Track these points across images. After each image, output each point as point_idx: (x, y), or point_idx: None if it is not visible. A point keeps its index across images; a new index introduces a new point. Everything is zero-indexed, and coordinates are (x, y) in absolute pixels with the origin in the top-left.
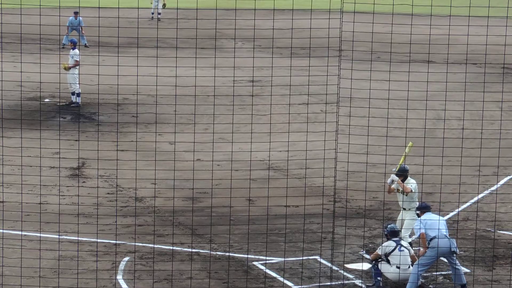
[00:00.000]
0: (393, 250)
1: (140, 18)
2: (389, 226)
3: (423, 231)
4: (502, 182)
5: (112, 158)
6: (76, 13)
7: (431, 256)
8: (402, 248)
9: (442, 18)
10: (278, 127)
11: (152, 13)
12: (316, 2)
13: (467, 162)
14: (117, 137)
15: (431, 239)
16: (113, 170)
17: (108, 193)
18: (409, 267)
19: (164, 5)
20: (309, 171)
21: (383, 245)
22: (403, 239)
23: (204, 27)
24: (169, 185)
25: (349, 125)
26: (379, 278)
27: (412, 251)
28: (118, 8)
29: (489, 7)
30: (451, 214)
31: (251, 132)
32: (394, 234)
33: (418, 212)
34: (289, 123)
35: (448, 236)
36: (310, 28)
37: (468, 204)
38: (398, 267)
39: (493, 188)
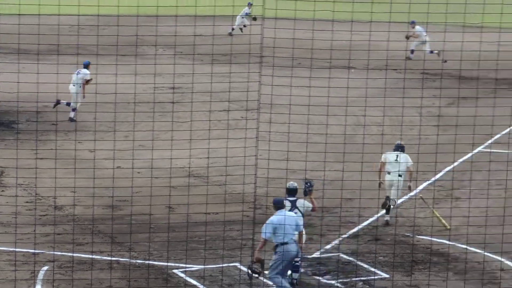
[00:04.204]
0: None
1: (61, 24)
2: (289, 183)
3: (268, 235)
4: (421, 187)
5: (31, 166)
6: None
7: (279, 259)
8: (296, 211)
9: (363, 24)
10: (198, 134)
11: (233, 29)
12: (238, 8)
13: None
14: (36, 145)
15: (279, 244)
16: (32, 179)
17: (27, 202)
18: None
19: (254, 18)
20: (229, 178)
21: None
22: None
23: (125, 33)
24: (89, 193)
25: (270, 132)
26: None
27: (310, 206)
28: (39, 14)
29: (409, 12)
30: (371, 219)
31: (172, 139)
32: (291, 192)
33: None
34: (209, 130)
35: (295, 239)
36: (231, 34)
37: None
38: None
39: (412, 194)
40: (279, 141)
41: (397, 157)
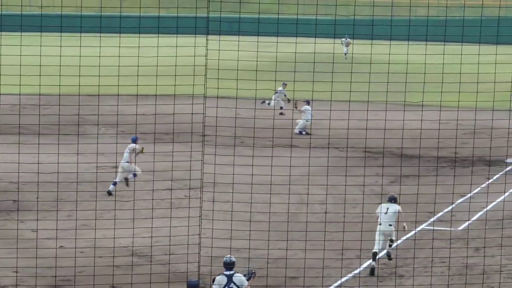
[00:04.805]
0: None
1: (2, 104)
2: (226, 257)
3: None
4: (365, 265)
5: None
6: None
7: None
8: (232, 285)
9: (304, 103)
10: (142, 213)
11: (269, 103)
12: (180, 87)
13: (330, 246)
14: None
15: None
16: None
17: None
18: None
19: (289, 100)
20: (173, 257)
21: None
22: None
23: (67, 113)
24: (32, 273)
25: (213, 210)
26: None
27: (246, 284)
28: None
29: (350, 91)
30: None
31: (115, 219)
32: (228, 266)
33: None
34: (152, 209)
35: None
36: (174, 114)
37: (332, 287)
38: None
39: (356, 272)
40: (223, 219)
41: (387, 210)
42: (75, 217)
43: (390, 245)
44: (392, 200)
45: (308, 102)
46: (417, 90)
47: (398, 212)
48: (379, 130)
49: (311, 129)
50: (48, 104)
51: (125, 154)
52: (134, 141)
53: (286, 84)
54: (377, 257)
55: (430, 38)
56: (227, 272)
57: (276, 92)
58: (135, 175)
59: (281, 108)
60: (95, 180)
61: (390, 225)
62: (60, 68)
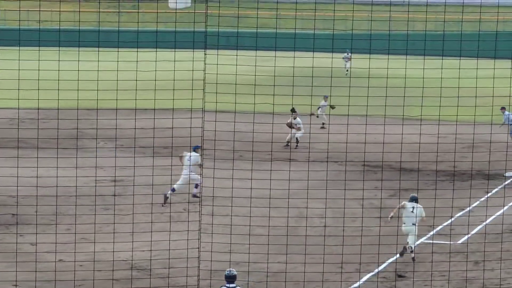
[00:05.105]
0: None
1: (1, 118)
2: (227, 270)
3: None
4: (364, 278)
5: None
6: None
7: None
8: None
9: (304, 116)
10: (141, 226)
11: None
12: (178, 101)
13: (329, 259)
14: None
15: None
16: None
17: None
18: None
19: (333, 107)
20: (173, 271)
21: None
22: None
23: (66, 127)
24: (31, 286)
25: (212, 224)
26: None
27: None
28: None
29: (349, 105)
30: None
31: (114, 232)
32: (230, 279)
33: None
34: (151, 222)
35: None
36: (172, 127)
37: None
38: None
39: (355, 285)
40: (222, 233)
41: (413, 209)
42: (74, 230)
43: (405, 248)
44: (414, 200)
45: (293, 110)
46: (415, 104)
47: (423, 215)
48: (378, 144)
49: (309, 142)
50: (47, 118)
51: (190, 166)
52: (195, 149)
53: (327, 97)
54: (409, 246)
55: (428, 52)
56: (228, 285)
57: (319, 108)
58: (173, 190)
59: (323, 124)
60: (94, 194)
61: (413, 224)
62: (58, 82)
